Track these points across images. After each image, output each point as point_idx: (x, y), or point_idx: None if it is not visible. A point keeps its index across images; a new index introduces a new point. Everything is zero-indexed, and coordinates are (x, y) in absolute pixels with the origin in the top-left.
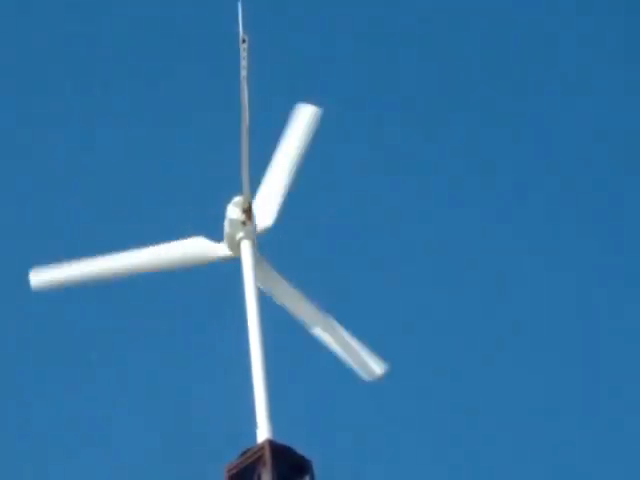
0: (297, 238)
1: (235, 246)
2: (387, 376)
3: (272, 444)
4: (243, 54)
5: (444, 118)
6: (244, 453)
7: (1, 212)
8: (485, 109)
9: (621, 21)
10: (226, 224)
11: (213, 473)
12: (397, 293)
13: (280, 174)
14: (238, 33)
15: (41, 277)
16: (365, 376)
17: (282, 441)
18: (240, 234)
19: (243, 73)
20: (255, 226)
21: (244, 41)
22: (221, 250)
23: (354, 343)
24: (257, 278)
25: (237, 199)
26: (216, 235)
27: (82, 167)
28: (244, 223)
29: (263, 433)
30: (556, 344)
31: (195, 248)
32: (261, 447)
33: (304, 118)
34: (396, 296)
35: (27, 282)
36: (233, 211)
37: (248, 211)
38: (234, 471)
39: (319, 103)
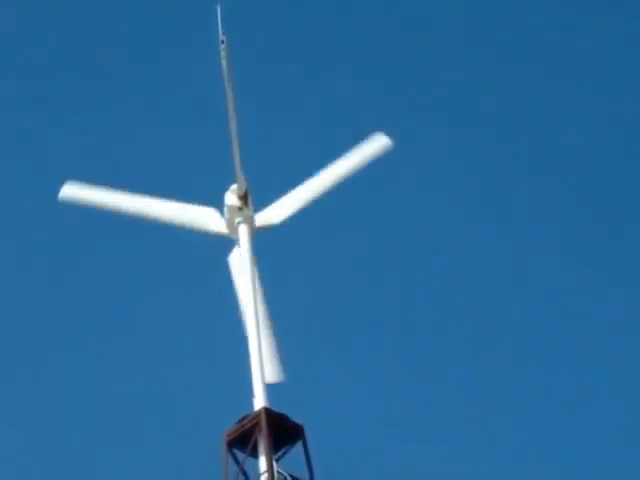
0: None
1: (234, 230)
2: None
3: (268, 412)
4: (223, 54)
5: None
6: (242, 420)
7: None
8: None
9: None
10: (225, 210)
11: (213, 438)
12: None
13: (313, 189)
14: (218, 35)
15: (71, 191)
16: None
17: (277, 409)
18: (238, 219)
19: (225, 71)
20: (252, 211)
21: (223, 42)
22: (223, 227)
23: (270, 346)
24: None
25: (233, 187)
26: None
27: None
28: (240, 209)
29: (259, 401)
30: None
31: (204, 216)
32: (258, 414)
33: (373, 147)
34: None
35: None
36: (230, 198)
37: (244, 197)
38: (233, 436)
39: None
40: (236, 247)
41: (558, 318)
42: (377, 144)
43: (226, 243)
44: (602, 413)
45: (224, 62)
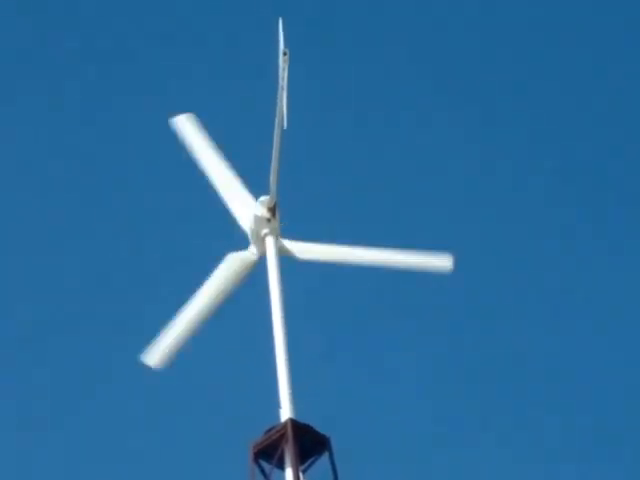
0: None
1: (260, 241)
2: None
3: (294, 423)
4: (283, 65)
5: None
6: (268, 431)
7: None
8: None
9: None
10: (252, 221)
11: (240, 449)
12: None
13: (351, 257)
14: (278, 46)
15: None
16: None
17: (303, 420)
18: (265, 230)
19: (282, 83)
20: (279, 223)
21: (285, 54)
22: (252, 255)
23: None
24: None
25: (263, 198)
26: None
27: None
28: (269, 220)
29: (286, 413)
30: None
31: (235, 265)
32: (284, 425)
33: (433, 262)
34: None
35: None
36: (259, 209)
37: (272, 210)
38: (259, 447)
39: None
40: (248, 252)
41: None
42: (438, 262)
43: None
44: None
45: (284, 74)
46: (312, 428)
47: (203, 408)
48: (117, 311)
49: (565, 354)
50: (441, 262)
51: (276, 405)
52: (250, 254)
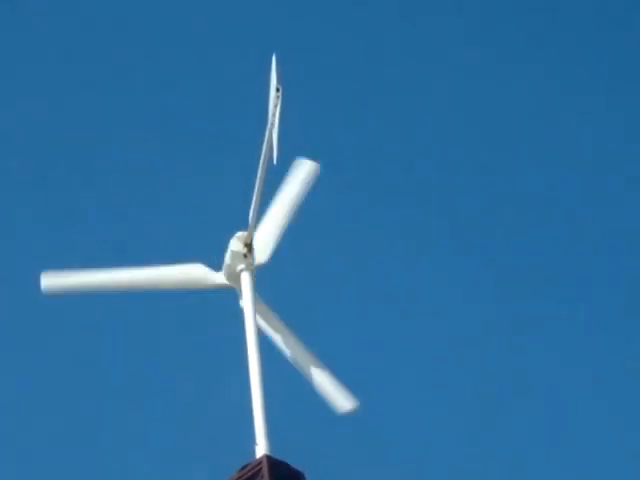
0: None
1: (234, 277)
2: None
3: (269, 459)
4: (275, 101)
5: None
6: (243, 468)
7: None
8: None
9: None
10: (227, 256)
11: None
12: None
13: (277, 220)
14: (270, 82)
15: (51, 281)
16: (338, 409)
17: (278, 456)
18: (241, 266)
19: (272, 119)
20: (254, 259)
21: (278, 90)
22: (218, 279)
23: (329, 378)
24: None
25: (240, 233)
26: (214, 265)
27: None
28: (245, 256)
29: (261, 449)
30: None
31: (194, 274)
32: (259, 462)
33: (302, 172)
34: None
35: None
36: (235, 244)
37: (249, 245)
38: None
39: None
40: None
41: None
42: (305, 170)
43: (214, 294)
44: None
45: (275, 110)
46: (288, 465)
47: (177, 444)
48: None
49: None
50: (307, 168)
51: (252, 441)
52: (216, 278)
